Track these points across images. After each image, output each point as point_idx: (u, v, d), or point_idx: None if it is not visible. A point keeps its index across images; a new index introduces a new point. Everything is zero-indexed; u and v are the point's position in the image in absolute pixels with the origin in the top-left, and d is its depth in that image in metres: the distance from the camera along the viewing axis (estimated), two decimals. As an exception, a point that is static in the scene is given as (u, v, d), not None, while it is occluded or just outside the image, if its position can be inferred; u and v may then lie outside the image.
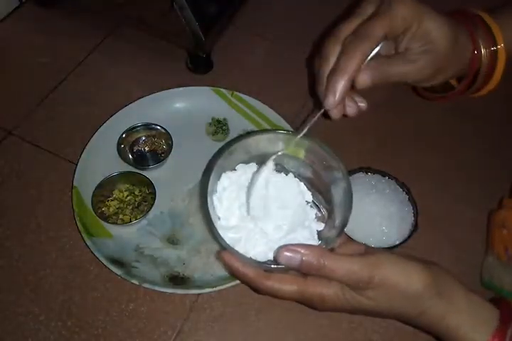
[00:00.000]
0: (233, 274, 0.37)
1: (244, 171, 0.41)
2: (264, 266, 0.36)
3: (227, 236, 0.37)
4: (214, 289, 0.49)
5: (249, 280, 0.36)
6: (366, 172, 0.55)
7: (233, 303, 0.52)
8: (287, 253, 0.33)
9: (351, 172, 0.55)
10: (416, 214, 0.53)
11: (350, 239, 0.40)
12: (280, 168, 0.42)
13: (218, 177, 0.41)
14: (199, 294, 0.52)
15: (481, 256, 0.55)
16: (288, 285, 0.35)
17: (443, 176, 0.62)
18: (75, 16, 0.73)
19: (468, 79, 0.44)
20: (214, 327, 0.51)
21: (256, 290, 0.37)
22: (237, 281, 0.49)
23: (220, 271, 0.52)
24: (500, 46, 0.42)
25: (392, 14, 0.37)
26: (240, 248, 0.37)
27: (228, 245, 0.36)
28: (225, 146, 0.40)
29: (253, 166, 0.42)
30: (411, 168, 0.61)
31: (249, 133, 0.41)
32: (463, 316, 0.35)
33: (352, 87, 0.38)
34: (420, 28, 0.39)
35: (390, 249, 0.50)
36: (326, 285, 0.35)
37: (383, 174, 0.55)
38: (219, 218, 0.39)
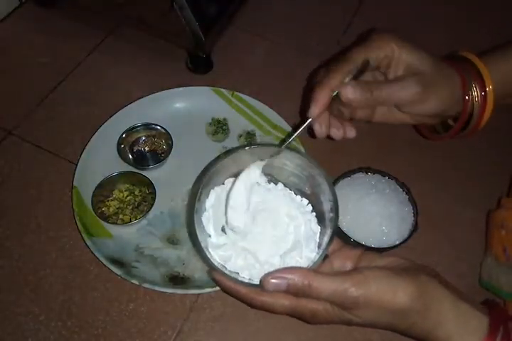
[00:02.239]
0: (226, 292, 0.39)
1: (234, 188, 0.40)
2: (254, 287, 0.37)
3: (218, 254, 0.38)
4: (214, 289, 0.49)
5: (242, 297, 0.38)
6: (366, 172, 0.55)
7: (233, 303, 0.52)
8: (273, 281, 0.34)
9: (351, 172, 0.55)
10: (416, 214, 0.53)
11: (344, 244, 0.40)
12: (270, 179, 0.42)
13: (207, 195, 0.41)
14: (199, 294, 0.52)
15: (480, 256, 0.55)
16: (280, 301, 0.36)
17: (443, 176, 0.62)
18: (75, 16, 0.73)
19: (463, 118, 0.45)
20: (214, 327, 0.51)
21: (250, 305, 0.39)
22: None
23: (220, 271, 0.52)
24: (489, 88, 0.43)
25: (370, 44, 0.42)
26: (230, 265, 0.38)
27: (217, 267, 0.37)
28: (212, 163, 0.40)
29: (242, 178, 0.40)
30: (411, 168, 0.61)
31: (234, 149, 0.41)
32: (451, 326, 0.35)
33: (350, 119, 0.44)
34: (401, 59, 0.42)
35: (390, 248, 0.50)
36: (316, 301, 0.36)
37: (383, 174, 0.55)
38: (209, 236, 0.40)
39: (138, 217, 0.54)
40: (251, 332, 0.50)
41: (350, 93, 0.40)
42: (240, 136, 0.63)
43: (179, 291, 0.49)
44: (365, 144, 0.63)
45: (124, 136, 0.59)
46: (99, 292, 0.52)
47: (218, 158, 0.41)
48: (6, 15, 0.73)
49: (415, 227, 0.52)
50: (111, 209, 0.56)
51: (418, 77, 0.41)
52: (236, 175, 0.41)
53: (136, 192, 0.57)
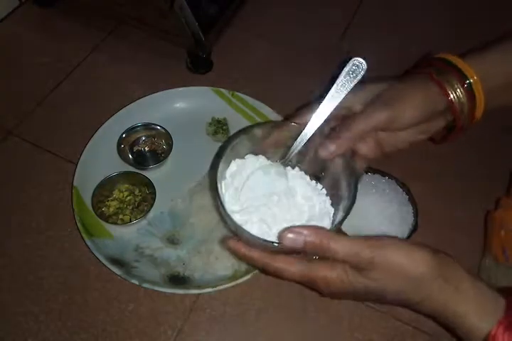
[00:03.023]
0: (241, 259, 0.39)
1: (253, 161, 0.42)
2: (269, 245, 0.36)
3: (236, 218, 0.38)
4: (214, 289, 0.49)
5: (256, 262, 0.37)
6: (366, 172, 0.55)
7: (233, 303, 0.52)
8: (290, 235, 0.34)
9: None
10: (416, 214, 0.53)
11: None
12: (288, 163, 0.43)
13: (228, 164, 0.42)
14: (199, 294, 0.52)
15: (479, 256, 0.55)
16: (293, 267, 0.36)
17: (442, 176, 0.62)
18: (75, 16, 0.73)
19: (456, 114, 0.43)
20: (214, 327, 0.51)
21: (264, 271, 0.38)
22: (237, 281, 0.50)
23: (220, 271, 0.52)
24: (474, 79, 0.41)
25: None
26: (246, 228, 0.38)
27: (236, 223, 0.37)
28: (235, 135, 0.40)
29: (261, 158, 0.43)
30: (411, 168, 0.61)
31: (257, 125, 0.42)
32: (471, 304, 0.35)
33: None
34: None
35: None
36: (329, 268, 0.35)
37: (383, 174, 0.55)
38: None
39: (138, 217, 0.54)
40: (251, 332, 0.50)
41: (321, 151, 0.40)
42: (240, 136, 0.63)
43: (179, 291, 0.49)
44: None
45: (124, 136, 0.59)
46: (99, 292, 0.52)
47: (244, 131, 0.42)
48: (6, 15, 0.73)
49: (415, 227, 0.52)
50: (111, 209, 0.56)
51: (381, 98, 0.41)
52: (256, 153, 0.43)
53: (136, 192, 0.57)
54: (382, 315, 0.52)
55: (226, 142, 0.44)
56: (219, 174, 0.40)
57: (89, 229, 0.53)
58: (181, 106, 0.64)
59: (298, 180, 0.43)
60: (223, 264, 0.53)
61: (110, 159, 0.59)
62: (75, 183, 0.55)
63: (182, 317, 0.51)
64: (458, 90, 0.41)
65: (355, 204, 0.54)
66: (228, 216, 0.37)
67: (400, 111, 0.40)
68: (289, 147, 0.41)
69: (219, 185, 0.40)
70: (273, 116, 0.62)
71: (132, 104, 0.62)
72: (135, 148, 0.61)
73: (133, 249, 0.54)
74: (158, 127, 0.61)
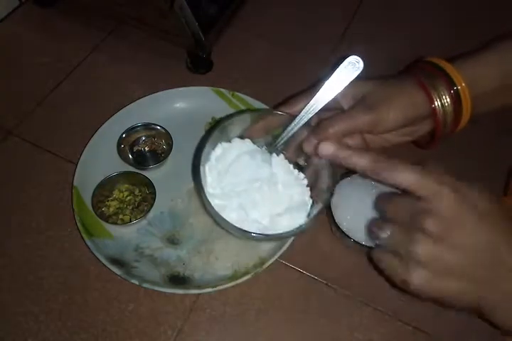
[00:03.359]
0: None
1: (239, 145, 0.43)
2: (247, 234, 0.37)
3: (214, 202, 0.38)
4: (214, 289, 0.49)
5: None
6: (366, 173, 0.55)
7: (233, 303, 0.52)
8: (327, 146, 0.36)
9: (351, 172, 0.55)
10: (416, 214, 0.53)
11: None
12: (273, 150, 0.44)
13: (214, 147, 0.42)
14: (199, 294, 0.52)
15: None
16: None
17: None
18: (75, 16, 0.73)
19: (438, 124, 0.42)
20: (214, 327, 0.51)
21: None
22: (237, 281, 0.50)
23: (220, 271, 0.52)
24: (462, 86, 0.40)
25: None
26: (224, 215, 0.38)
27: (214, 209, 0.37)
28: (225, 118, 0.41)
29: (248, 142, 0.44)
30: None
31: (249, 110, 0.42)
32: None
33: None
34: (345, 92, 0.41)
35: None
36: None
37: (383, 174, 0.55)
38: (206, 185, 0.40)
39: (138, 217, 0.54)
40: (251, 332, 0.51)
41: (306, 145, 0.40)
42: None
43: (179, 291, 0.49)
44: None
45: (124, 136, 0.59)
46: (99, 292, 0.52)
47: (232, 116, 0.43)
48: (6, 15, 0.73)
49: (415, 227, 0.51)
50: (111, 209, 0.56)
51: (366, 100, 0.41)
52: (243, 137, 0.44)
53: (136, 192, 0.57)
54: (382, 315, 0.52)
55: (215, 124, 0.44)
56: (203, 156, 0.41)
57: (89, 229, 0.53)
58: (181, 106, 0.64)
59: (281, 167, 0.43)
60: (223, 264, 0.53)
61: (110, 159, 0.59)
62: (75, 183, 0.55)
63: (182, 317, 0.51)
64: (443, 97, 0.41)
65: (355, 205, 0.54)
66: (207, 200, 0.37)
67: (383, 115, 0.40)
68: (277, 135, 0.42)
69: (202, 168, 0.40)
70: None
71: (132, 104, 0.62)
72: (135, 148, 0.61)
73: (133, 249, 0.54)
74: (158, 127, 0.61)
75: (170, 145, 0.60)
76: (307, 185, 0.43)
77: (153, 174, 0.58)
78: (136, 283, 0.49)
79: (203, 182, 0.39)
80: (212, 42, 0.67)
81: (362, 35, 0.76)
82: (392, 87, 0.42)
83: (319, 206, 0.40)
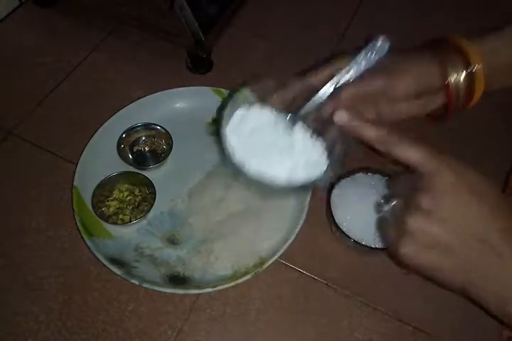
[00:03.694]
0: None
1: (259, 112, 0.45)
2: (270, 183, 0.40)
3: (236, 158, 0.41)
4: (214, 289, 0.49)
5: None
6: (366, 173, 0.55)
7: (233, 303, 0.52)
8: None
9: (351, 172, 0.55)
10: (416, 214, 0.53)
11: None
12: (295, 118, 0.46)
13: (237, 108, 0.44)
14: (199, 294, 0.52)
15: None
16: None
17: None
18: (75, 16, 0.73)
19: (450, 100, 0.44)
20: (214, 327, 0.51)
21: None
22: (237, 281, 0.50)
23: (220, 271, 0.52)
24: (478, 66, 0.42)
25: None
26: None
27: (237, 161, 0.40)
28: (244, 86, 0.45)
29: (268, 109, 0.45)
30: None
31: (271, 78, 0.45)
32: None
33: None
34: None
35: (390, 248, 0.50)
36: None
37: (383, 174, 0.55)
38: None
39: (138, 217, 0.54)
40: (251, 332, 0.51)
41: (324, 110, 0.42)
42: (240, 136, 0.63)
43: (179, 291, 0.49)
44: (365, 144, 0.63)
45: (124, 136, 0.59)
46: (99, 292, 0.52)
47: (258, 80, 0.46)
48: (6, 15, 0.73)
49: (415, 227, 0.51)
50: (111, 209, 0.56)
51: (382, 68, 0.42)
52: (263, 104, 0.45)
53: (136, 192, 0.57)
54: (382, 315, 0.52)
55: (241, 86, 0.45)
56: (225, 119, 0.43)
57: (89, 229, 0.53)
58: (181, 106, 0.64)
59: (301, 134, 0.45)
60: (223, 264, 0.53)
61: (110, 159, 0.59)
62: (75, 183, 0.55)
63: (182, 317, 0.51)
64: (458, 73, 0.42)
65: (355, 205, 0.54)
66: (231, 152, 0.40)
67: (395, 80, 0.42)
68: (300, 105, 0.44)
69: (223, 130, 0.43)
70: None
71: (132, 104, 0.62)
72: (135, 148, 0.61)
73: (133, 249, 0.54)
74: (158, 127, 0.61)
75: (170, 145, 0.60)
76: (323, 151, 0.45)
77: (153, 174, 0.58)
78: (136, 283, 0.49)
79: (226, 137, 0.42)
80: (212, 42, 0.67)
81: (362, 35, 0.75)
82: (410, 57, 0.44)
83: (331, 172, 0.43)
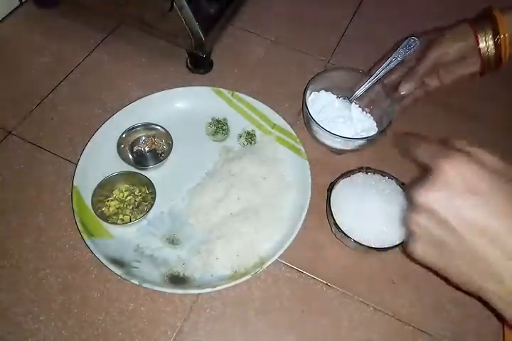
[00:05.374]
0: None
1: (327, 94, 0.64)
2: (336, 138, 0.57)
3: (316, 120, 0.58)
4: (214, 289, 0.49)
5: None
6: (366, 172, 0.55)
7: (233, 303, 0.52)
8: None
9: (351, 172, 0.55)
10: (416, 214, 0.53)
11: None
12: (352, 99, 0.64)
13: (313, 90, 0.64)
14: (199, 294, 0.52)
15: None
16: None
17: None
18: (75, 16, 0.73)
19: (483, 63, 0.57)
20: (214, 327, 0.51)
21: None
22: (237, 281, 0.50)
23: (220, 271, 0.52)
24: (504, 36, 0.54)
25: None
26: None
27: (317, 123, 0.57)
28: (324, 72, 0.63)
29: (331, 93, 0.64)
30: (411, 168, 0.61)
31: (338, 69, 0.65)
32: None
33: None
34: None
35: (390, 248, 0.50)
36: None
37: (383, 174, 0.55)
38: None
39: (138, 217, 0.54)
40: (251, 332, 0.51)
41: (402, 88, 0.60)
42: (240, 136, 0.63)
43: (179, 291, 0.49)
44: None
45: (124, 136, 0.59)
46: (99, 292, 0.52)
47: (330, 71, 0.64)
48: (6, 15, 0.73)
49: (415, 227, 0.51)
50: (111, 209, 0.56)
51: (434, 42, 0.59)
52: (328, 89, 0.64)
53: (136, 192, 0.57)
54: (382, 315, 0.52)
55: (319, 74, 0.62)
56: (308, 93, 0.61)
57: (89, 229, 0.53)
58: (181, 106, 0.64)
59: (357, 110, 0.64)
60: (223, 264, 0.53)
61: (110, 159, 0.59)
62: (75, 183, 0.55)
63: (182, 317, 0.51)
64: (487, 42, 0.55)
65: (355, 205, 0.55)
66: (311, 118, 0.58)
67: (446, 49, 0.57)
68: (356, 88, 0.62)
69: (307, 100, 0.61)
70: (274, 116, 0.62)
71: (132, 104, 0.62)
72: (135, 148, 0.61)
73: (133, 249, 0.54)
74: (158, 127, 0.61)
75: (170, 145, 0.60)
76: (373, 120, 0.63)
77: (153, 174, 0.58)
78: (136, 283, 0.49)
79: (308, 107, 0.59)
80: (212, 42, 0.67)
81: (362, 35, 0.76)
82: (452, 33, 0.58)
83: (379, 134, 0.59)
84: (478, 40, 0.55)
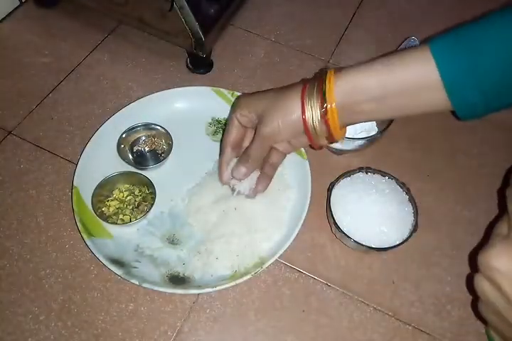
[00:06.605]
0: None
1: None
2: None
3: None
4: (214, 289, 0.49)
5: None
6: (366, 173, 0.55)
7: (233, 303, 0.52)
8: None
9: (351, 172, 0.55)
10: (416, 214, 0.53)
11: None
12: None
13: None
14: (199, 294, 0.52)
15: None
16: None
17: (443, 176, 0.62)
18: (75, 16, 0.73)
19: (308, 136, 0.44)
20: (214, 327, 0.51)
21: None
22: (237, 281, 0.49)
23: (220, 271, 0.52)
24: (331, 105, 0.40)
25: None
26: None
27: None
28: None
29: None
30: (411, 168, 0.61)
31: None
32: None
33: None
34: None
35: (390, 248, 0.50)
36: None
37: (383, 174, 0.55)
38: None
39: (138, 217, 0.54)
40: (251, 332, 0.51)
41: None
42: (240, 136, 0.63)
43: (179, 291, 0.49)
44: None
45: (124, 136, 0.59)
46: (99, 292, 0.52)
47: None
48: (5, 15, 0.73)
49: (415, 227, 0.52)
50: (111, 209, 0.56)
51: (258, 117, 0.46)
52: None
53: (136, 192, 0.57)
54: (382, 315, 0.52)
55: None
56: None
57: (89, 229, 0.53)
58: (181, 106, 0.64)
59: None
60: (223, 264, 0.53)
61: (110, 159, 0.59)
62: (75, 183, 0.55)
63: (182, 317, 0.51)
64: (314, 112, 0.41)
65: (355, 205, 0.55)
66: None
67: (262, 124, 0.44)
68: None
69: None
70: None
71: (132, 104, 0.62)
72: (135, 148, 0.61)
73: (133, 249, 0.54)
74: (158, 127, 0.61)
75: (170, 145, 0.60)
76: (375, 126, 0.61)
77: (153, 174, 0.58)
78: (136, 283, 0.49)
79: None
80: (212, 42, 0.67)
81: (362, 35, 0.76)
82: (280, 101, 0.44)
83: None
84: (304, 112, 0.42)
